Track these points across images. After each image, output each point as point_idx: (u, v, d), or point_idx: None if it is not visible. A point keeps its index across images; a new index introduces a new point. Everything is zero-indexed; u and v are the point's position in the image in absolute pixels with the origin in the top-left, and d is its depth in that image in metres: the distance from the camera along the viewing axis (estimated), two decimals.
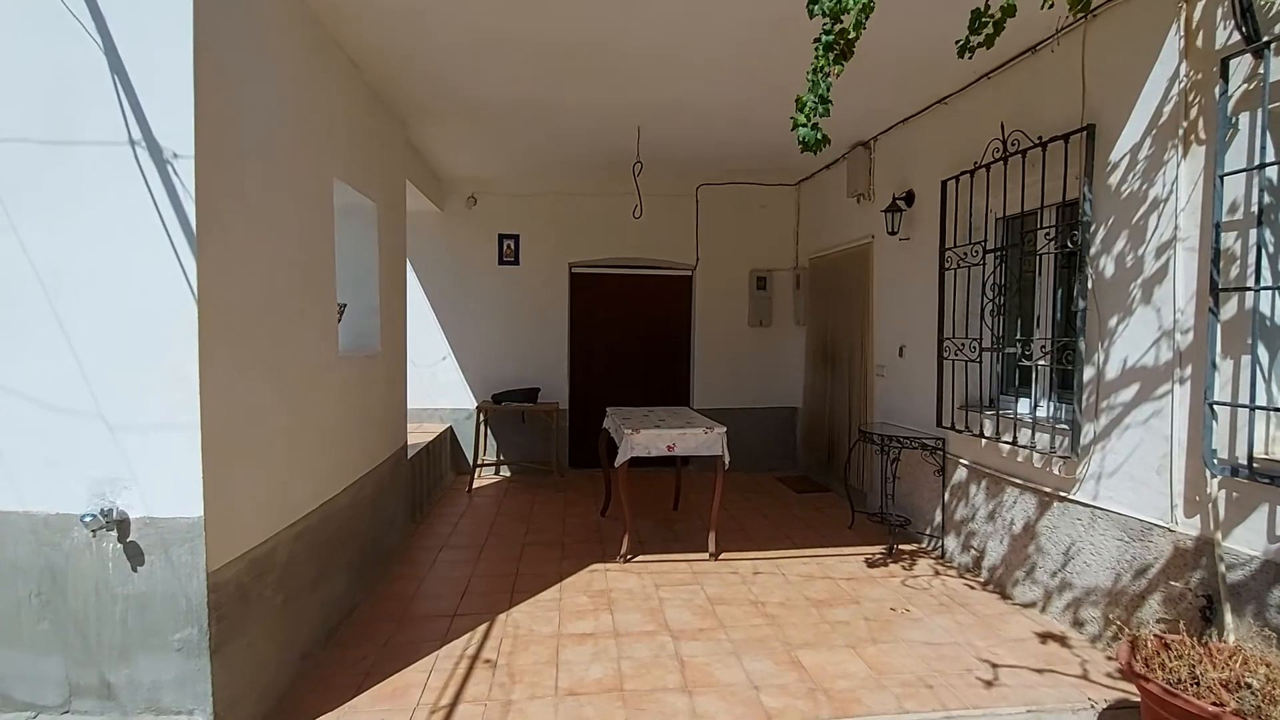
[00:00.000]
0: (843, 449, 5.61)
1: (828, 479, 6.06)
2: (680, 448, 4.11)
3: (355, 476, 3.46)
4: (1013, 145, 3.52)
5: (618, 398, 6.76)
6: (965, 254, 3.95)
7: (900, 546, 4.37)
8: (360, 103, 3.65)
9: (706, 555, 4.19)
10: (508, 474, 6.45)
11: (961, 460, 4.03)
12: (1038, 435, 3.40)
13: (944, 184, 4.11)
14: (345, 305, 3.63)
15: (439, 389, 6.43)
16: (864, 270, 5.28)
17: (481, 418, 6.19)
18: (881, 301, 5.06)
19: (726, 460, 4.20)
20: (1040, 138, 3.32)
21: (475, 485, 6.05)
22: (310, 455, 2.90)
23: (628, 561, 4.10)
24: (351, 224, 3.85)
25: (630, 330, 6.77)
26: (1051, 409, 3.43)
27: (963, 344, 3.96)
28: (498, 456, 6.50)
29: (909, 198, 4.62)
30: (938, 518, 4.27)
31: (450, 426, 6.38)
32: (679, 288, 6.80)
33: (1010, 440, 3.58)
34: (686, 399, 6.86)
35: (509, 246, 6.42)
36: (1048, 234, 3.44)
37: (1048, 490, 3.34)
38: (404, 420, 4.54)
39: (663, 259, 6.63)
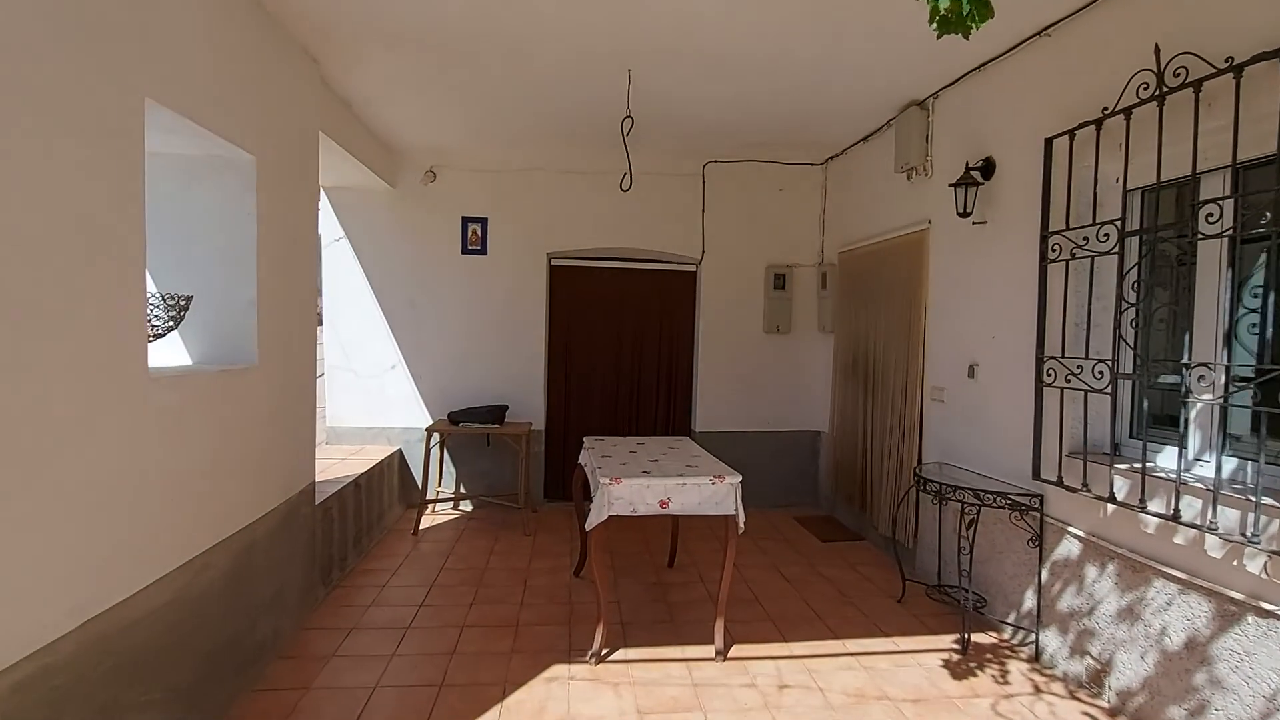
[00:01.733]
0: (881, 489, 4.46)
1: (860, 524, 4.91)
2: (678, 504, 2.97)
3: (190, 554, 2.32)
4: (1176, 76, 2.38)
5: (603, 418, 5.62)
6: (1082, 240, 2.80)
7: (974, 637, 3.22)
8: (231, 12, 2.52)
9: (712, 652, 3.04)
10: (469, 509, 5.31)
11: (1072, 529, 2.89)
12: (1220, 509, 2.25)
13: (1048, 144, 2.98)
14: (191, 298, 2.50)
15: (386, 404, 5.29)
16: (915, 265, 4.14)
17: (436, 441, 5.06)
18: (940, 305, 3.92)
19: (742, 521, 3.05)
20: (1230, 59, 2.18)
21: (426, 525, 4.91)
22: (69, 540, 1.77)
23: (601, 662, 2.95)
24: (215, 184, 2.72)
25: (621, 336, 5.63)
26: (1247, 471, 2.29)
27: (1077, 366, 2.82)
28: (457, 488, 5.36)
29: (986, 168, 3.48)
30: (1028, 601, 3.12)
31: (399, 450, 5.25)
32: (681, 286, 5.67)
33: (1164, 511, 2.43)
34: (687, 422, 5.72)
35: (475, 232, 5.29)
36: (1215, 210, 2.28)
37: (1235, 597, 2.20)
38: (308, 453, 3.40)
39: (662, 251, 5.49)
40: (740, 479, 3.08)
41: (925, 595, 3.70)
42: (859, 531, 4.94)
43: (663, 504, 2.94)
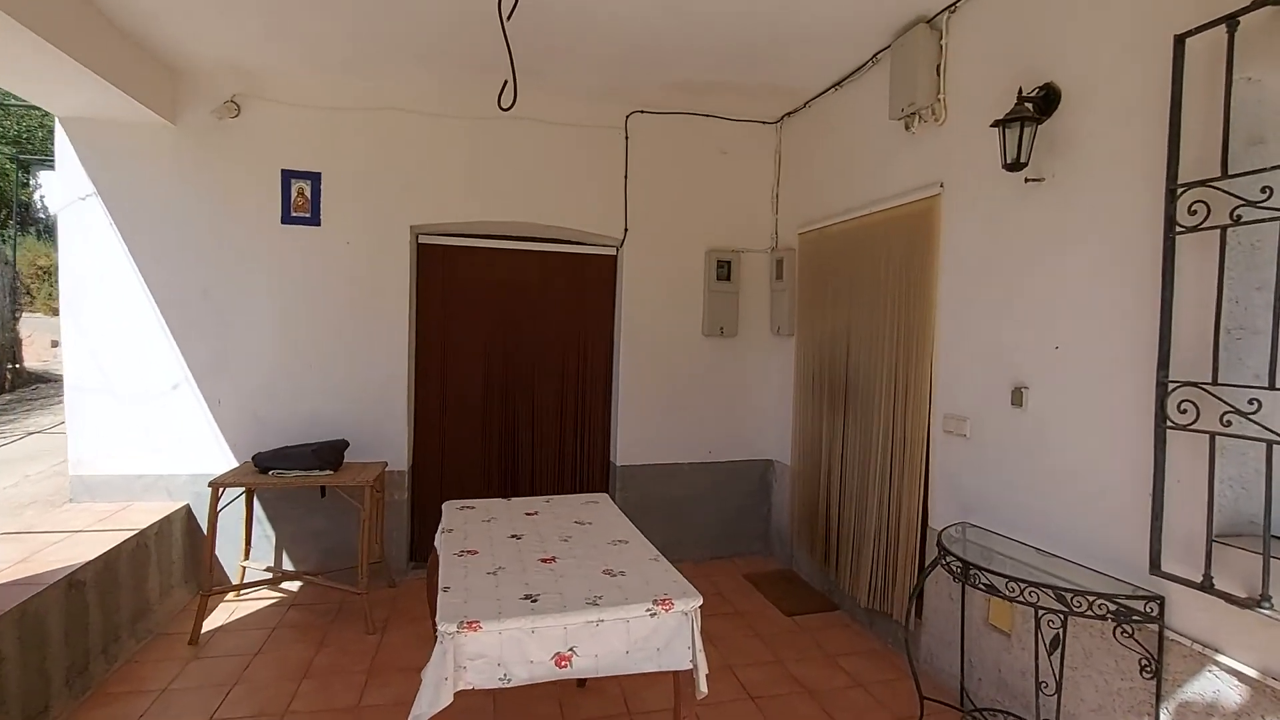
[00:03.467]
0: (863, 545, 3.32)
1: (828, 583, 3.76)
2: (589, 659, 1.63)
3: None
4: None
5: (492, 450, 4.20)
6: (1246, 198, 1.70)
7: None
8: None
9: None
10: (293, 589, 3.73)
11: (1222, 658, 1.78)
12: None
13: (1180, 44, 1.86)
14: None
15: (168, 442, 3.63)
16: (919, 246, 3.00)
17: (234, 497, 3.46)
18: (960, 301, 2.79)
19: (703, 680, 1.75)
20: None
21: (220, 621, 3.33)
22: None
23: None
24: None
25: (519, 340, 4.22)
26: None
27: (1249, 401, 1.71)
28: (277, 560, 3.78)
29: (1046, 99, 2.36)
30: None
31: (187, 507, 3.61)
32: (597, 275, 4.33)
33: None
34: (604, 453, 4.39)
35: (301, 193, 3.72)
36: None
37: None
38: None
39: (572, 228, 4.13)
40: (700, 601, 1.77)
41: (952, 717, 2.56)
42: (828, 595, 3.79)
43: (560, 661, 1.60)
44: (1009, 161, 2.36)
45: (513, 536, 2.23)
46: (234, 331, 3.66)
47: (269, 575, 3.56)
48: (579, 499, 2.77)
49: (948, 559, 2.26)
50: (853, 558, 3.47)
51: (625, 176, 4.15)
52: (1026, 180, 2.40)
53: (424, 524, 4.09)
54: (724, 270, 4.31)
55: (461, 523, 2.40)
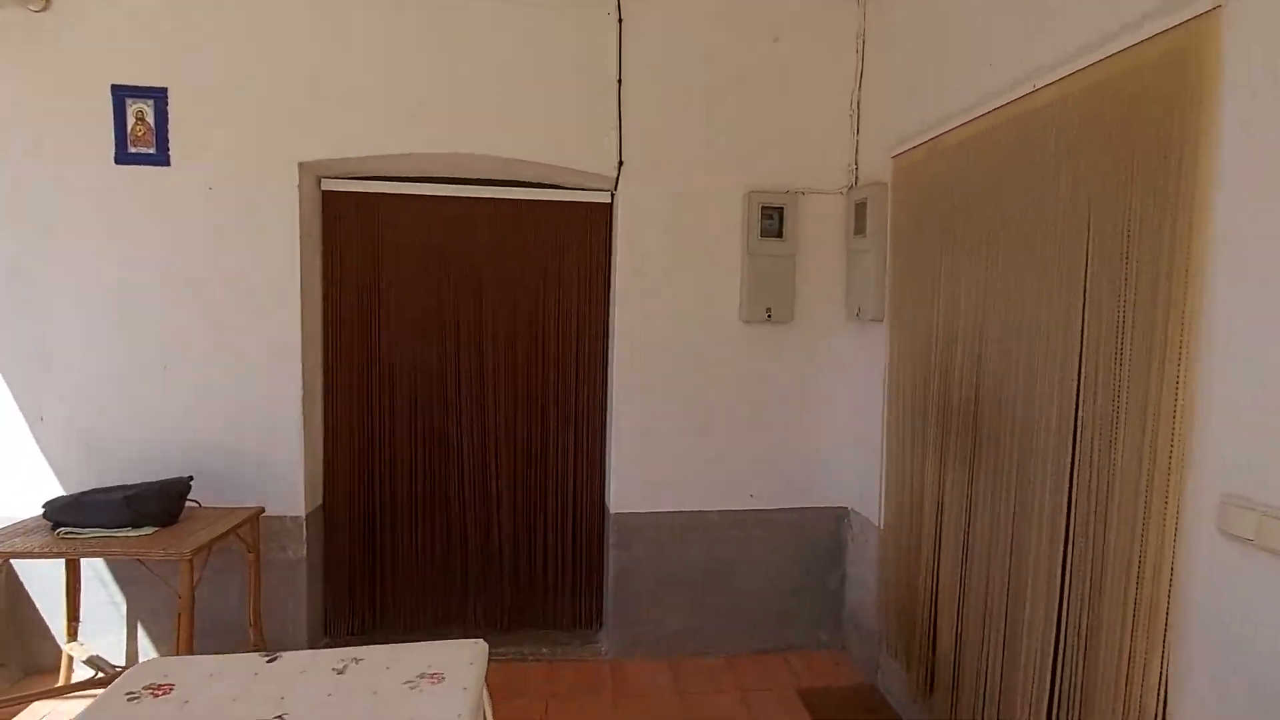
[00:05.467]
0: (1016, 683, 1.81)
1: (936, 715, 2.26)
2: None
3: None
4: None
5: (435, 486, 2.96)
6: None
7: None
8: None
9: None
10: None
11: None
12: None
13: None
14: None
15: None
16: (1160, 139, 1.43)
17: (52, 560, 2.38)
18: (1267, 255, 1.22)
19: None
20: None
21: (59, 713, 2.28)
22: None
23: None
24: None
25: (471, 332, 2.94)
26: None
27: None
28: (129, 641, 2.71)
29: None
30: None
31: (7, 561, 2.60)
32: (581, 232, 2.96)
33: None
34: (593, 492, 3.05)
35: (141, 119, 2.56)
36: None
37: None
38: None
39: (543, 161, 2.76)
40: None
41: None
42: None
43: None
44: None
45: None
46: (56, 321, 2.58)
47: (95, 670, 2.47)
48: (424, 654, 1.47)
49: None
50: (985, 689, 1.96)
51: (619, 81, 2.74)
52: None
53: (340, 588, 2.92)
54: (773, 222, 2.83)
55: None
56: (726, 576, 2.93)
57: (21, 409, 2.59)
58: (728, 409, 2.89)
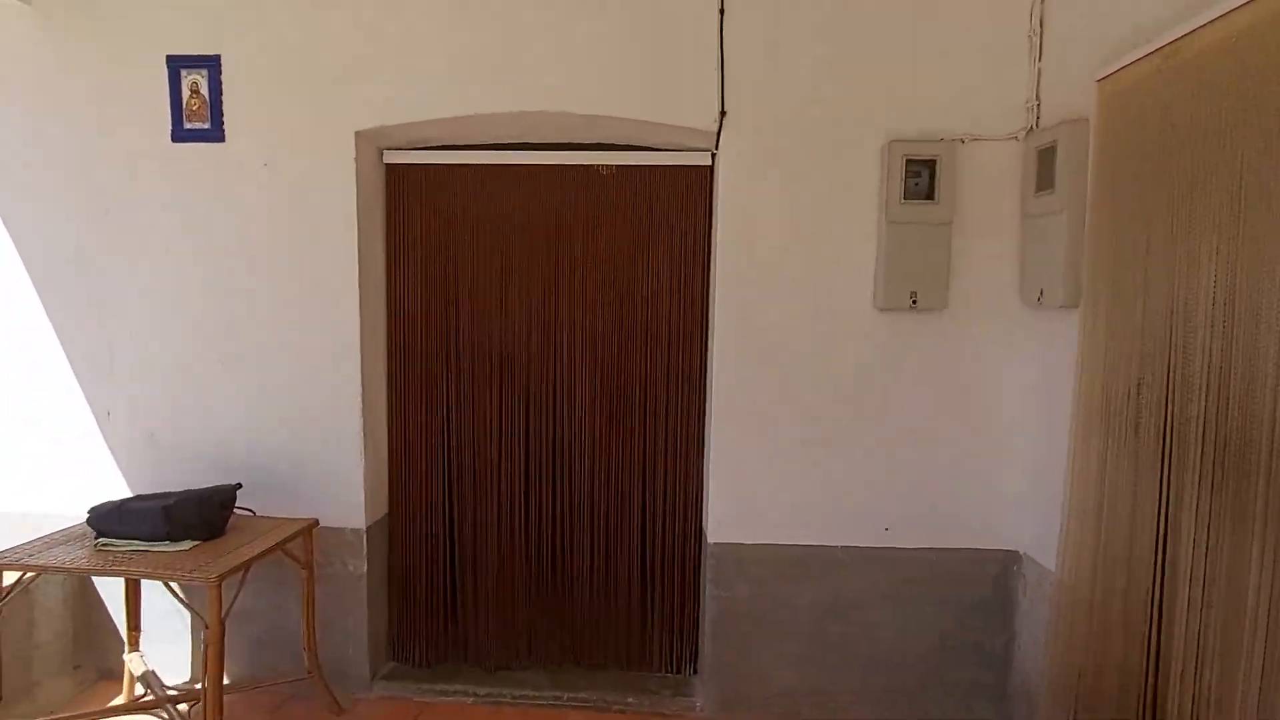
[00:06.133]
0: None
1: None
2: None
3: None
4: None
5: (520, 504, 2.59)
6: None
7: None
8: None
9: None
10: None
11: None
12: None
13: None
14: None
15: (53, 469, 2.53)
16: None
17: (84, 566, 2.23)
18: None
19: None
20: None
21: None
22: None
23: None
24: None
25: (547, 326, 2.53)
26: None
27: None
28: (196, 653, 2.54)
29: None
30: None
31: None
32: (675, 202, 2.46)
33: None
34: (689, 517, 2.54)
35: (196, 91, 2.34)
36: None
37: None
38: None
39: (629, 116, 2.29)
40: None
41: None
42: None
43: None
44: None
45: None
46: (119, 312, 2.44)
47: (146, 688, 2.30)
48: None
49: None
50: None
51: (721, 10, 2.21)
52: None
53: (408, 606, 2.63)
54: (921, 180, 2.19)
55: None
56: (853, 628, 2.34)
57: (90, 405, 2.48)
58: (857, 420, 2.29)
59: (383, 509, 2.57)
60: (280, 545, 2.10)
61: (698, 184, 2.43)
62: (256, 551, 1.98)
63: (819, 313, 2.28)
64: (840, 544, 2.31)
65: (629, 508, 2.56)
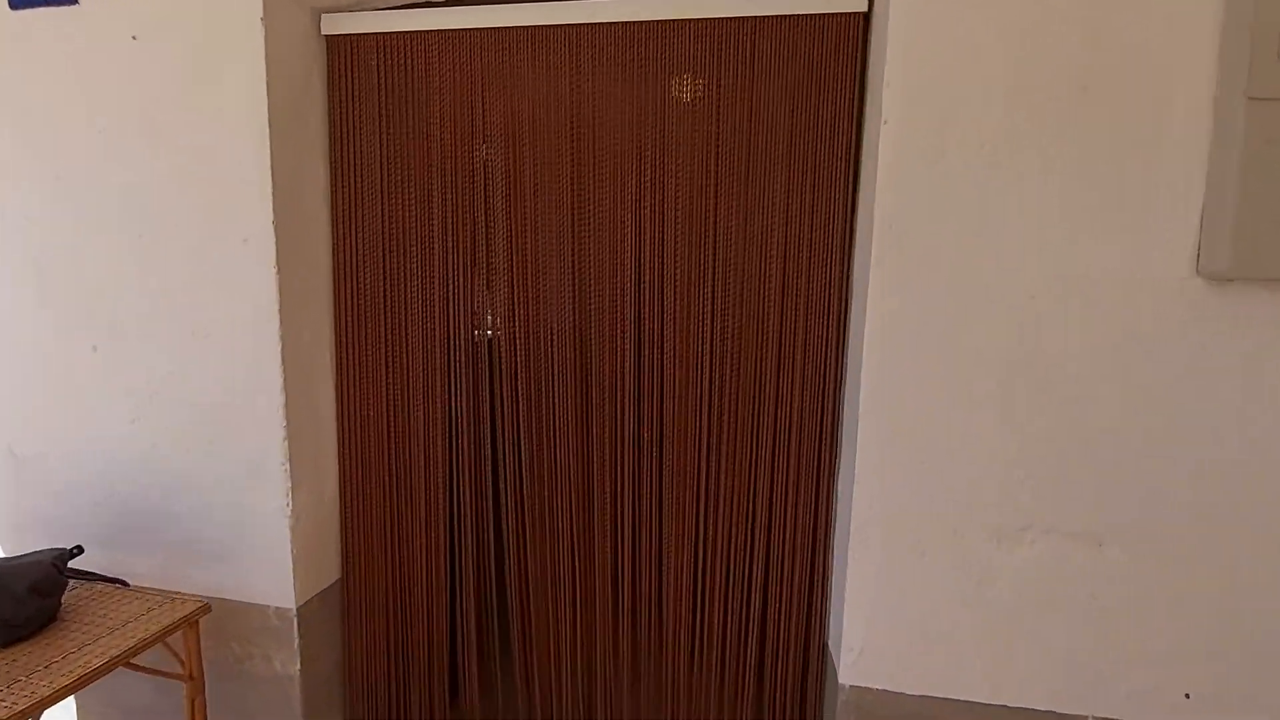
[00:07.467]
0: None
1: None
2: None
3: None
4: None
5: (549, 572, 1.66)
6: None
7: None
8: None
9: None
10: None
11: None
12: None
13: None
14: None
15: None
16: None
17: None
18: None
19: None
20: None
21: None
22: None
23: None
24: None
25: (565, 293, 1.57)
26: None
27: None
28: None
29: None
30: None
31: None
32: (797, 84, 1.41)
33: None
34: (808, 641, 1.53)
35: None
36: None
37: None
38: None
39: None
40: None
41: None
42: None
43: None
44: None
45: None
46: None
47: None
48: None
49: None
50: None
51: None
52: None
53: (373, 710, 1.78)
54: None
55: None
56: None
57: None
58: (1141, 485, 1.21)
59: (332, 574, 1.71)
60: (137, 651, 1.26)
61: (838, 50, 1.37)
62: (92, 667, 1.16)
63: (1068, 281, 1.19)
64: (1097, 714, 1.25)
65: (694, 618, 1.58)
